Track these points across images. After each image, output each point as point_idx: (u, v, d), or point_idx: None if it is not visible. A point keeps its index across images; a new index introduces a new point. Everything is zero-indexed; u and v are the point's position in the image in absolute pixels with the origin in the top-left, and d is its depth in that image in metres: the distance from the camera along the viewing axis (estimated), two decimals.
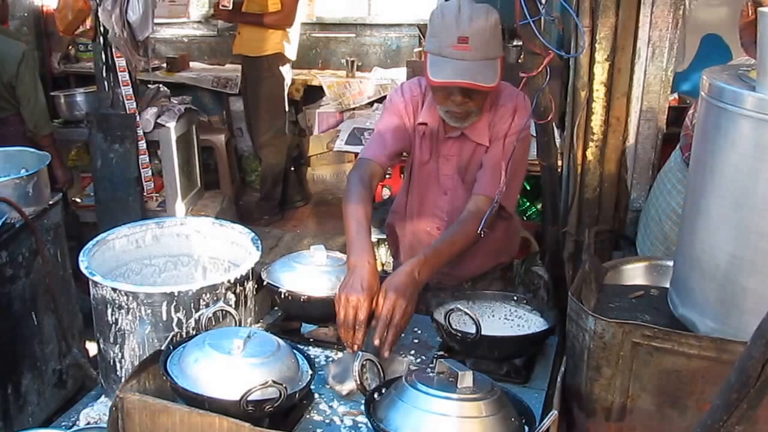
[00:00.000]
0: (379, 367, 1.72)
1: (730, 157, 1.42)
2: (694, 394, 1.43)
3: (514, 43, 4.56)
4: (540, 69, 1.57)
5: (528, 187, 4.43)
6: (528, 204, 4.48)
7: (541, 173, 2.04)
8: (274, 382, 1.47)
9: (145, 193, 4.36)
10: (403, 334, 1.84)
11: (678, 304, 1.59)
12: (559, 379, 1.62)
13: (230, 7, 5.30)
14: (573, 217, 2.76)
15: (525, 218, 4.38)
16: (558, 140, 3.05)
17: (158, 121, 4.50)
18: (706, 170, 1.50)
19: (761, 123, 1.33)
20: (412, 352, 2.00)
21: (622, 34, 2.54)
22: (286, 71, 5.39)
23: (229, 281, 1.81)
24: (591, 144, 2.64)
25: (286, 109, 5.51)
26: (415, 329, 2.11)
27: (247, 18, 5.28)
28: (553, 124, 2.20)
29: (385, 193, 4.62)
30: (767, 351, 0.95)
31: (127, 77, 4.09)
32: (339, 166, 6.09)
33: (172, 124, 4.56)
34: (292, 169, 6.26)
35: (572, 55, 1.51)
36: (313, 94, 6.20)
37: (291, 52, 5.37)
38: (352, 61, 6.17)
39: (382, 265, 3.66)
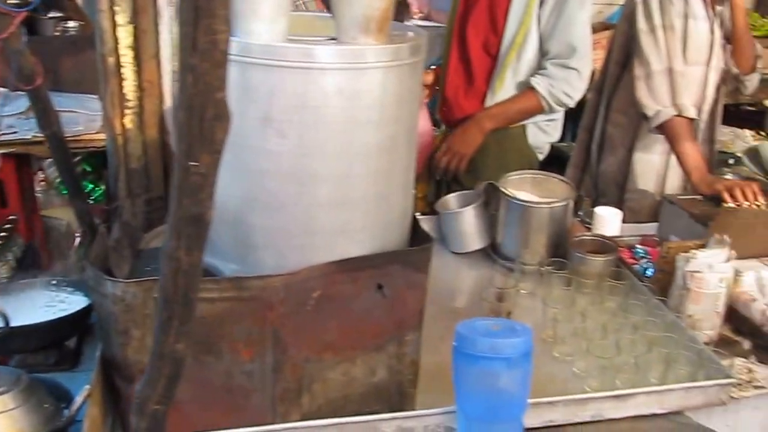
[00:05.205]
0: None
1: (229, 103, 1.47)
2: (224, 338, 1.47)
3: None
4: (11, 29, 1.43)
5: (89, 168, 4.19)
6: (93, 186, 4.24)
7: (48, 145, 1.88)
8: None
9: None
10: None
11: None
12: (98, 353, 1.54)
13: None
14: (122, 190, 2.64)
15: (92, 201, 4.15)
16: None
17: None
18: None
19: (241, 66, 1.41)
20: None
21: None
22: None
23: None
24: (128, 111, 2.54)
25: None
26: None
27: None
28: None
29: None
30: (173, 265, 0.99)
31: None
32: None
33: None
34: None
35: (23, 10, 1.37)
36: None
37: None
38: None
39: None
